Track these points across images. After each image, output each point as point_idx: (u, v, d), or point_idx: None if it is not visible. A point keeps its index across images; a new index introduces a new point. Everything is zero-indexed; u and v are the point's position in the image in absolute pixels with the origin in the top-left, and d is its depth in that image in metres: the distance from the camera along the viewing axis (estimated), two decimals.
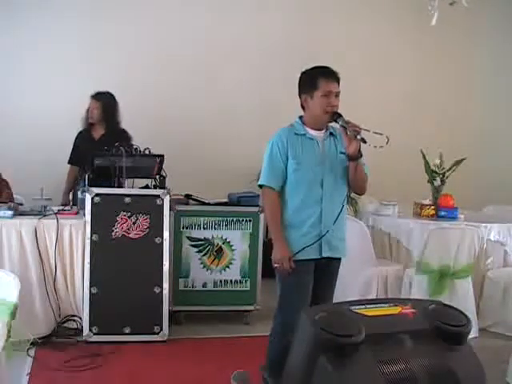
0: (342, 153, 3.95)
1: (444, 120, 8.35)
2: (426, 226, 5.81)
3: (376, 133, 3.71)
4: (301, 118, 4.06)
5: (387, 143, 3.72)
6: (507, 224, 6.26)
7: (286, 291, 4.00)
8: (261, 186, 4.02)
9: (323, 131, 3.99)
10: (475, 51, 8.71)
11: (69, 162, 6.41)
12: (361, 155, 3.84)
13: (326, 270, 4.01)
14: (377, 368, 1.88)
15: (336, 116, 3.86)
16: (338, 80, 3.98)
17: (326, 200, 3.89)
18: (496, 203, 7.46)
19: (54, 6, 7.22)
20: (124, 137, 6.08)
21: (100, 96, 6.18)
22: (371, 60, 8.43)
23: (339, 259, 4.09)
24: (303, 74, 4.05)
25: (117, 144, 5.28)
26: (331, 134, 4.01)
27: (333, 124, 3.99)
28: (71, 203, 6.12)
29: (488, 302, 5.96)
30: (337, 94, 3.94)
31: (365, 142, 3.75)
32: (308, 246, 3.85)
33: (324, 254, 3.92)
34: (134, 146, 5.32)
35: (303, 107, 4.03)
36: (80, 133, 6.33)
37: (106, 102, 6.18)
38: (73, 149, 6.36)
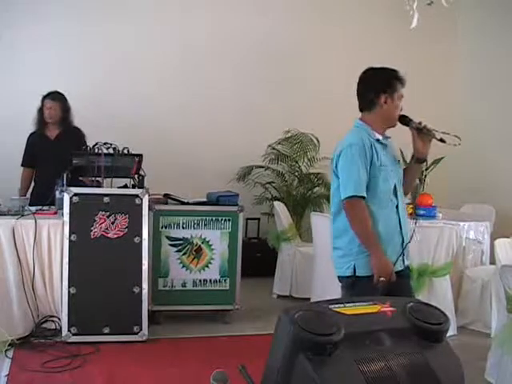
0: (398, 160, 3.84)
1: (424, 121, 8.38)
2: None
3: (445, 133, 3.63)
4: (362, 120, 3.81)
5: (459, 143, 3.64)
6: (485, 222, 6.31)
7: None
8: (344, 199, 3.59)
9: (383, 137, 3.78)
10: (457, 54, 8.77)
11: (22, 165, 6.27)
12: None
13: (406, 279, 3.77)
14: (356, 366, 1.88)
15: (407, 119, 3.71)
16: None
17: (400, 207, 3.71)
18: (474, 202, 7.51)
19: (29, 8, 7.19)
20: (79, 135, 6.11)
21: (56, 96, 6.12)
22: (352, 59, 8.46)
23: (408, 267, 3.88)
24: (377, 71, 3.80)
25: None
26: (388, 140, 3.83)
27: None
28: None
29: (466, 300, 6.00)
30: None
31: (444, 141, 3.62)
32: (400, 256, 3.65)
33: (406, 263, 3.74)
34: (113, 146, 5.30)
35: (369, 108, 3.78)
36: (32, 134, 6.23)
37: (63, 102, 6.14)
38: (26, 150, 6.24)
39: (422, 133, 3.67)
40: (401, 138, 4.04)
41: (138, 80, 7.58)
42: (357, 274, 3.60)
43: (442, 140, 3.62)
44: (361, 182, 3.57)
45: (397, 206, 3.70)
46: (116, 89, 7.44)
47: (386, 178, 3.64)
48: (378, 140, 3.70)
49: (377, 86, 3.74)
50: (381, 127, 3.74)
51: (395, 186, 3.69)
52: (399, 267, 3.67)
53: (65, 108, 6.14)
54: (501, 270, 4.30)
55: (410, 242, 3.73)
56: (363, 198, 3.56)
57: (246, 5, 8.03)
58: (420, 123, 3.69)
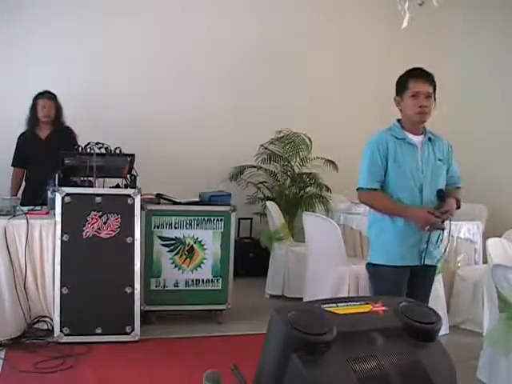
0: (439, 159, 3.95)
1: None
2: None
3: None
4: (399, 121, 4.00)
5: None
6: (477, 222, 6.33)
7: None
8: (358, 189, 3.99)
9: (422, 136, 3.96)
10: (446, 51, 8.78)
11: (13, 165, 6.27)
12: (458, 207, 3.96)
13: (425, 277, 4.00)
14: (348, 366, 1.88)
15: (441, 196, 3.85)
16: (429, 80, 3.90)
17: (426, 206, 3.85)
18: (466, 201, 7.52)
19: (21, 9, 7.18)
20: (70, 134, 6.12)
21: (51, 95, 6.15)
22: (343, 60, 8.48)
23: (435, 267, 4.07)
24: (398, 78, 4.01)
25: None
26: (429, 139, 3.98)
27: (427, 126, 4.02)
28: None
29: (458, 300, 6.01)
30: (428, 95, 3.87)
31: (429, 231, 3.86)
32: (420, 253, 3.87)
33: (425, 262, 3.90)
34: (105, 146, 5.29)
35: (401, 110, 4.00)
36: (23, 134, 6.23)
37: (56, 101, 6.18)
38: (17, 151, 6.24)
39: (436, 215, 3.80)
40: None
41: (131, 80, 7.58)
42: (373, 262, 4.01)
43: (429, 229, 3.84)
44: (368, 178, 3.91)
45: (437, 193, 3.87)
46: (110, 89, 7.43)
47: (407, 176, 3.87)
48: (403, 139, 3.91)
49: (395, 91, 4.00)
50: (410, 127, 3.95)
51: (422, 185, 3.87)
52: (411, 263, 3.89)
53: (58, 107, 6.15)
54: (492, 270, 4.31)
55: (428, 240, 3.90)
56: (371, 189, 3.90)
57: (242, 5, 8.04)
58: (444, 212, 3.81)
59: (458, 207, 4.00)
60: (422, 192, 3.87)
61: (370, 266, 4.05)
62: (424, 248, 3.88)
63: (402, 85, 3.93)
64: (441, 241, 4.00)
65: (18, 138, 6.21)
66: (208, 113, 7.97)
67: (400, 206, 3.85)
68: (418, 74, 3.91)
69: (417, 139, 3.94)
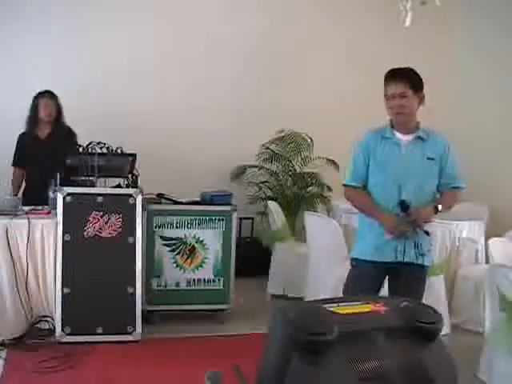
0: (429, 158, 3.94)
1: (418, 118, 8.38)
2: None
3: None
4: (391, 120, 4.05)
5: None
6: (478, 222, 6.33)
7: (349, 287, 4.09)
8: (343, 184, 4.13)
9: (411, 134, 3.96)
10: (447, 51, 8.77)
11: (14, 165, 6.25)
12: (436, 212, 3.95)
13: (409, 277, 3.96)
14: (350, 366, 1.88)
15: (404, 206, 3.83)
16: (403, 80, 3.91)
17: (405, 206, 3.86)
18: (467, 201, 7.52)
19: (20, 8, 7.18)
20: (70, 134, 6.10)
21: (52, 94, 6.12)
22: (344, 59, 8.48)
23: (423, 267, 4.04)
24: None
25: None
26: (419, 137, 3.96)
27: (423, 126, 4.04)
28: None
29: (460, 299, 6.01)
30: (403, 95, 3.89)
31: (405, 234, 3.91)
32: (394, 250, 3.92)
33: (399, 259, 3.92)
34: (106, 145, 5.29)
35: None
36: (23, 133, 6.20)
37: (57, 101, 6.16)
38: (17, 150, 6.21)
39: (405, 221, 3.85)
40: None
41: (131, 80, 7.57)
42: (352, 256, 4.18)
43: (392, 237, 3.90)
44: (350, 175, 4.05)
45: (400, 204, 3.84)
46: (111, 89, 7.42)
47: (386, 175, 3.91)
48: (390, 138, 3.96)
49: None
50: (397, 127, 3.99)
51: (401, 184, 3.88)
52: (387, 259, 3.93)
53: (58, 107, 6.15)
54: (494, 269, 4.31)
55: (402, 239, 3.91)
56: (354, 186, 4.04)
57: (243, 5, 8.03)
58: (411, 220, 3.84)
59: (436, 212, 3.95)
60: (401, 191, 3.87)
61: (351, 258, 4.20)
62: (400, 245, 3.89)
63: (384, 87, 4.00)
64: (420, 243, 3.96)
65: (18, 138, 6.20)
66: (209, 112, 7.96)
67: (375, 209, 3.93)
68: (390, 76, 3.98)
69: (404, 138, 3.95)
